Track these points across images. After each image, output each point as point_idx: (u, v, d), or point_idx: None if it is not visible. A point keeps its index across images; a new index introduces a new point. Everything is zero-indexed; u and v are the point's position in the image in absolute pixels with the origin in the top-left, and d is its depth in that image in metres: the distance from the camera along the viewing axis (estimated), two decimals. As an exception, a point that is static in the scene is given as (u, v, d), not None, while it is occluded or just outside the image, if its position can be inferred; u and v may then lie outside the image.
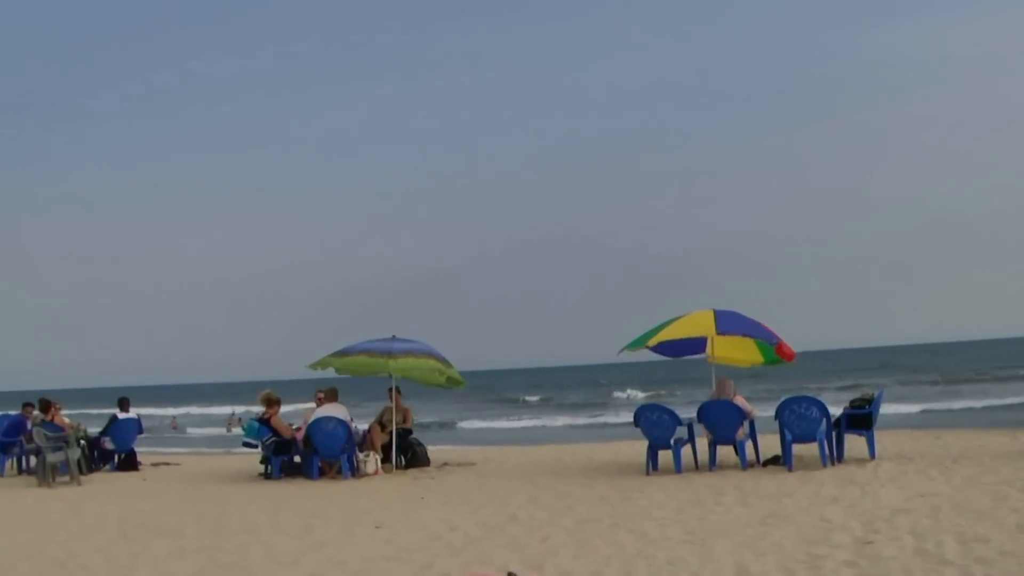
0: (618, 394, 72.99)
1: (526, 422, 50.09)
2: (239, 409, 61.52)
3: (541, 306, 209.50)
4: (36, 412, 22.21)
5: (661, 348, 18.87)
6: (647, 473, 17.17)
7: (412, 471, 19.79)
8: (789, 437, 16.56)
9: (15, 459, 23.48)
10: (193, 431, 53.62)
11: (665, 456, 17.41)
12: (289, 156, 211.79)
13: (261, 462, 20.41)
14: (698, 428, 17.69)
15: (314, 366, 20.29)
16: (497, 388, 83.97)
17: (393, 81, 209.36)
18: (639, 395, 69.20)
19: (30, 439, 21.15)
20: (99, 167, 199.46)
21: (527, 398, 75.90)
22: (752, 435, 17.56)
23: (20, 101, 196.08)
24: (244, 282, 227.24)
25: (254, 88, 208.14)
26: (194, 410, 77.45)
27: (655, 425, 17.40)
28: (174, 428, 56.57)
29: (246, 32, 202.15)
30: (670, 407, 18.10)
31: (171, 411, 71.37)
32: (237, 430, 43.40)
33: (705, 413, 17.31)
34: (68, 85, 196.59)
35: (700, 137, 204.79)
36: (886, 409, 19.40)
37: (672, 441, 17.27)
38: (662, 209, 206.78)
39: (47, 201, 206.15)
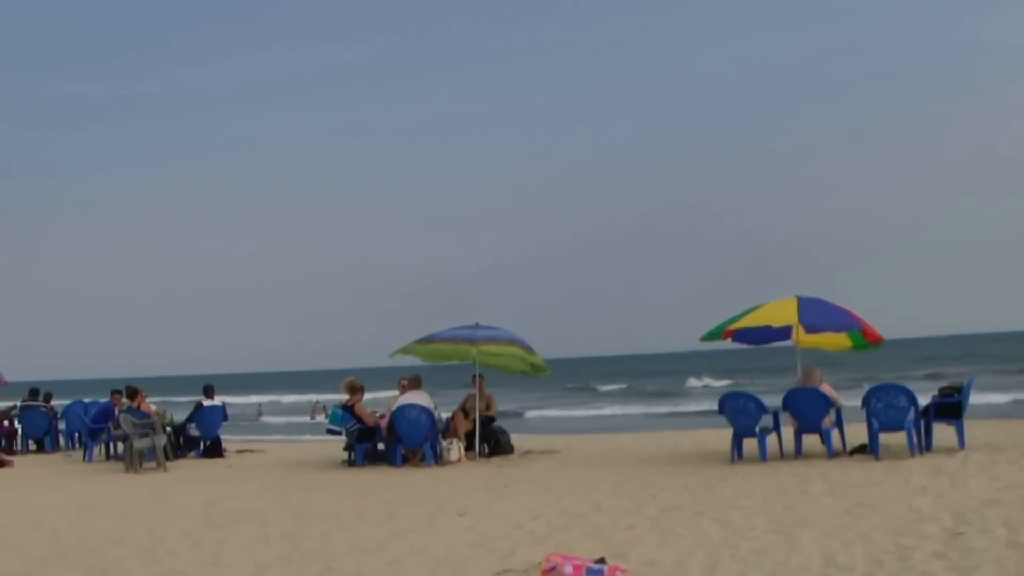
0: (697, 382, 72.81)
1: (605, 410, 50.05)
2: (323, 397, 61.95)
3: (618, 295, 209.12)
4: (123, 399, 22.47)
5: (742, 336, 18.67)
6: (732, 461, 17.01)
7: (495, 459, 19.76)
8: (876, 426, 16.33)
9: (103, 445, 23.81)
10: (278, 419, 53.96)
11: (750, 444, 17.26)
12: (371, 151, 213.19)
13: (345, 449, 20.43)
14: (784, 416, 17.46)
15: (397, 353, 20.33)
16: (575, 376, 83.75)
17: (477, 74, 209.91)
18: (718, 383, 68.88)
19: (117, 425, 21.39)
20: (187, 160, 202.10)
21: (606, 386, 75.78)
22: (839, 423, 17.30)
23: (138, 92, 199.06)
24: (328, 272, 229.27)
25: (340, 84, 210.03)
26: (278, 398, 78.05)
27: (740, 413, 17.23)
28: (260, 416, 56.99)
29: (328, 25, 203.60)
30: (755, 395, 17.93)
31: (255, 399, 71.94)
32: (321, 418, 43.71)
33: (791, 401, 17.10)
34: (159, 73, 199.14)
35: (796, 121, 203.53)
36: (974, 398, 19.03)
37: (757, 429, 17.10)
38: (743, 195, 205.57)
39: (136, 196, 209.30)
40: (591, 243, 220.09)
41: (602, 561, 8.88)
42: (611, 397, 64.85)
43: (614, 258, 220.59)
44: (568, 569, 8.69)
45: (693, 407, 46.35)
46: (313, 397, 66.85)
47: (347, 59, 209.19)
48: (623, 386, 75.82)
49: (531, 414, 47.02)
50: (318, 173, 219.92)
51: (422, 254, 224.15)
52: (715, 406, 17.87)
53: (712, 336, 18.37)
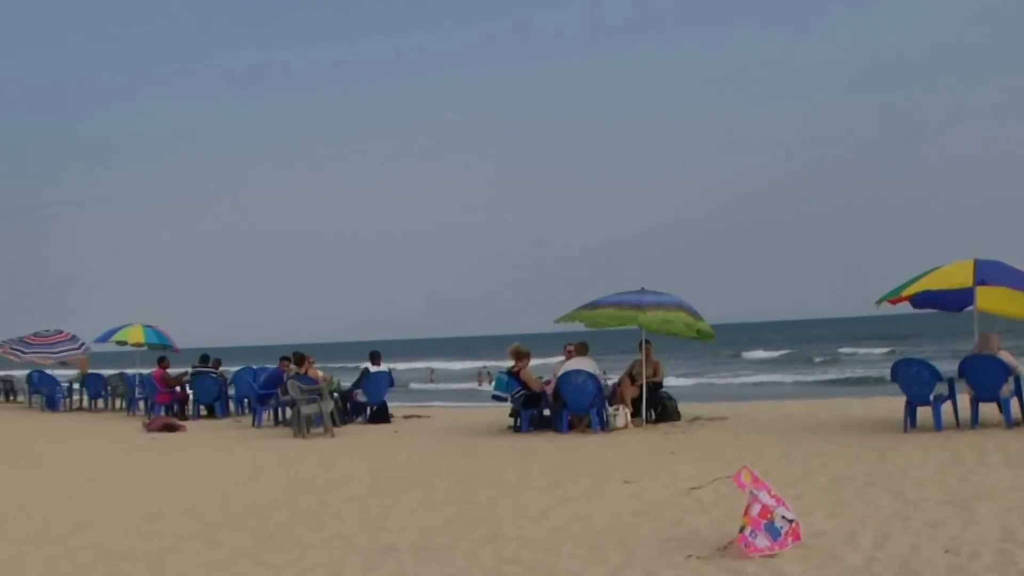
0: (856, 348, 71.77)
1: (767, 376, 49.61)
2: (489, 363, 62.43)
3: (780, 260, 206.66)
4: (292, 365, 22.78)
5: (920, 300, 18.12)
6: (904, 430, 16.57)
7: (662, 426, 19.57)
8: (1058, 395, 15.76)
9: (272, 411, 24.19)
10: (444, 385, 54.46)
11: (924, 413, 16.79)
12: (522, 116, 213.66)
13: (510, 415, 20.49)
14: (959, 384, 16.93)
15: (562, 319, 20.24)
16: (732, 343, 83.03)
17: (629, 40, 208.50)
18: (878, 350, 67.90)
19: (286, 391, 21.70)
20: (350, 132, 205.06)
21: (764, 353, 75.09)
22: (1018, 392, 16.68)
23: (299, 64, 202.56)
24: (487, 239, 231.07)
25: (490, 54, 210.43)
26: (444, 364, 78.81)
27: (913, 380, 16.76)
28: (432, 381, 57.65)
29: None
30: (928, 361, 17.42)
31: (419, 364, 72.79)
32: (487, 384, 44.08)
33: (967, 368, 16.55)
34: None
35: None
36: None
37: (931, 397, 16.62)
38: (911, 161, 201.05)
39: (295, 168, 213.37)
40: (744, 208, 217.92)
41: (789, 521, 8.64)
42: (772, 364, 64.37)
43: (769, 223, 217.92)
44: (755, 510, 8.51)
45: (859, 372, 45.65)
46: (479, 363, 67.50)
47: (494, 32, 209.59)
48: (782, 352, 75.10)
49: (689, 381, 46.60)
50: (466, 139, 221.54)
51: (584, 217, 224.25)
52: (875, 373, 17.42)
53: (888, 299, 17.85)
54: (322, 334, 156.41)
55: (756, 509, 8.53)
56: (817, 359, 65.08)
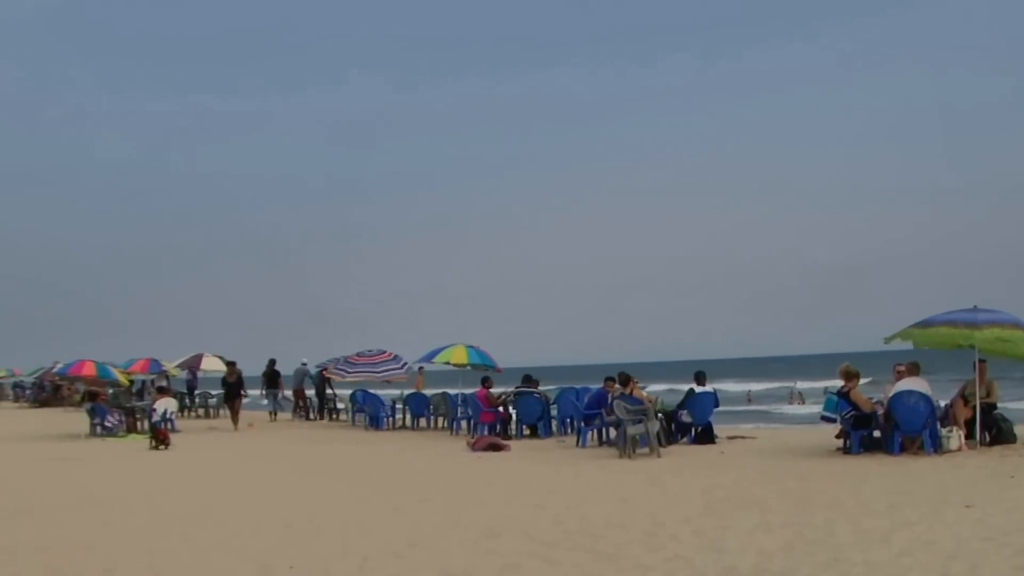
0: None
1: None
2: (800, 383, 61.54)
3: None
4: (617, 386, 22.97)
5: None
6: None
7: (997, 448, 18.95)
8: None
9: (596, 431, 24.38)
10: (754, 406, 53.78)
11: None
12: (749, 146, 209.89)
13: (838, 436, 20.19)
14: None
15: (891, 339, 19.82)
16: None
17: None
18: None
19: (611, 412, 21.87)
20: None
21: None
22: None
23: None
24: (804, 254, 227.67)
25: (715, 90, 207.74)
26: (747, 385, 77.72)
27: None
28: (749, 401, 57.22)
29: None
30: None
31: (738, 386, 72.13)
32: (799, 405, 43.52)
33: None
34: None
35: None
36: None
37: None
38: None
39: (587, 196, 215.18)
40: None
41: None
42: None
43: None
44: None
45: None
46: (788, 383, 66.64)
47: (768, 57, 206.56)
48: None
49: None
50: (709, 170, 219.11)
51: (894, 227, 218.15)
52: None
53: None
54: (638, 353, 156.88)
55: None
56: None
